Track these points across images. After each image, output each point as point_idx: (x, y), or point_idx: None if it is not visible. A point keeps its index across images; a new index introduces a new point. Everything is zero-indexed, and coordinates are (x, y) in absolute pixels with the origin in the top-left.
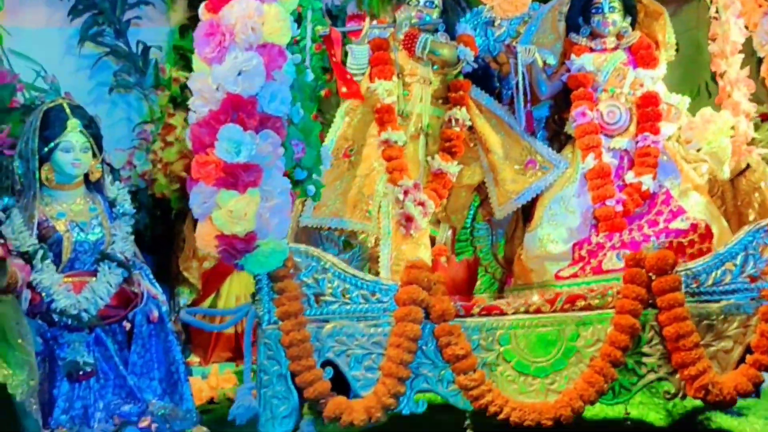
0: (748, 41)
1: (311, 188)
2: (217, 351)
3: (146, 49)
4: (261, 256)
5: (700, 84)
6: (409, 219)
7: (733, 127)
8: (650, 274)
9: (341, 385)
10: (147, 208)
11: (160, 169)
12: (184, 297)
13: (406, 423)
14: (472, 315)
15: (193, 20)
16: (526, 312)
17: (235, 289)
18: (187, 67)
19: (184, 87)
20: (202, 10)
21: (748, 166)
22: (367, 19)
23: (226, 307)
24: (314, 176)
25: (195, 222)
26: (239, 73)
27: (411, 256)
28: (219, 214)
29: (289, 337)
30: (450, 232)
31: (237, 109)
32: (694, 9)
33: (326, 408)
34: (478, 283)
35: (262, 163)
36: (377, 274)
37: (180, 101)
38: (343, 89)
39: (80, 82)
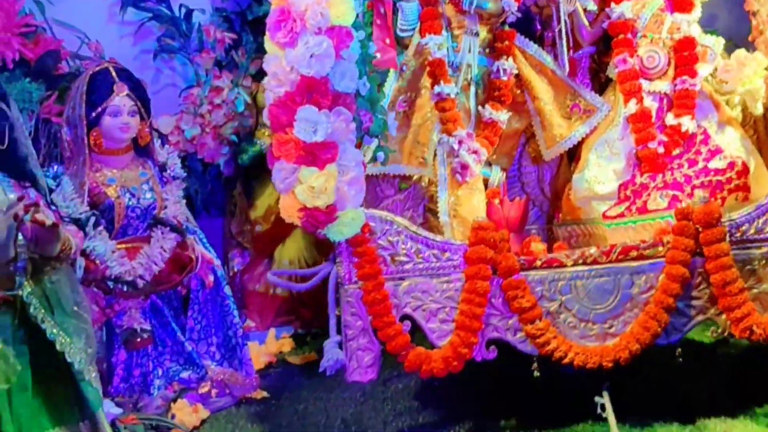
0: None
1: (381, 155)
2: (274, 316)
3: (189, 12)
4: (341, 225)
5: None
6: (464, 167)
7: (766, 68)
8: (698, 226)
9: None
10: (196, 173)
11: (209, 133)
12: (237, 262)
13: (479, 369)
14: (534, 268)
15: None
16: (584, 263)
17: (288, 253)
18: (231, 29)
19: (229, 49)
20: None
21: None
22: None
23: (279, 269)
24: (382, 142)
25: (246, 186)
26: (311, 56)
27: (467, 200)
28: (301, 189)
29: (370, 296)
30: (502, 174)
31: (311, 89)
32: None
33: (407, 359)
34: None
35: (338, 139)
36: (431, 211)
37: (225, 64)
38: (377, 55)
39: (124, 49)
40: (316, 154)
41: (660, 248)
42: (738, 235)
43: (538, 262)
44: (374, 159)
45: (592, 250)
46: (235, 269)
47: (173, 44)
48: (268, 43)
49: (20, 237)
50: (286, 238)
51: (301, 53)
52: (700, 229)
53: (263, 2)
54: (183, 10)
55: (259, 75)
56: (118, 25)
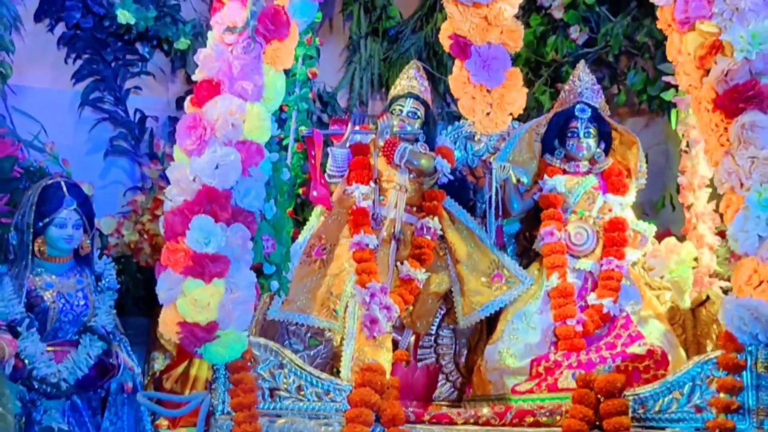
0: None
1: (275, 284)
2: (185, 416)
3: (143, 118)
4: (221, 347)
5: (665, 195)
6: (373, 321)
7: (696, 259)
8: (599, 396)
9: None
10: (130, 273)
11: (146, 239)
12: (158, 362)
13: None
14: (422, 422)
15: (190, 92)
16: (476, 423)
17: None
18: None
19: None
20: (187, 103)
21: (708, 297)
22: (350, 124)
23: (198, 371)
24: (282, 272)
25: None
26: (216, 167)
27: (372, 356)
28: (183, 301)
29: (240, 429)
30: (413, 338)
31: (211, 201)
32: (666, 122)
33: None
34: (438, 391)
35: (231, 255)
36: (339, 372)
37: None
38: (314, 193)
39: (77, 143)
40: (205, 267)
41: (557, 416)
42: (641, 411)
43: (427, 416)
44: (269, 290)
45: (485, 410)
46: (155, 369)
47: (124, 146)
48: (176, 151)
49: None
50: None
51: (206, 162)
52: (602, 399)
53: None
54: (138, 115)
55: None
56: (74, 120)
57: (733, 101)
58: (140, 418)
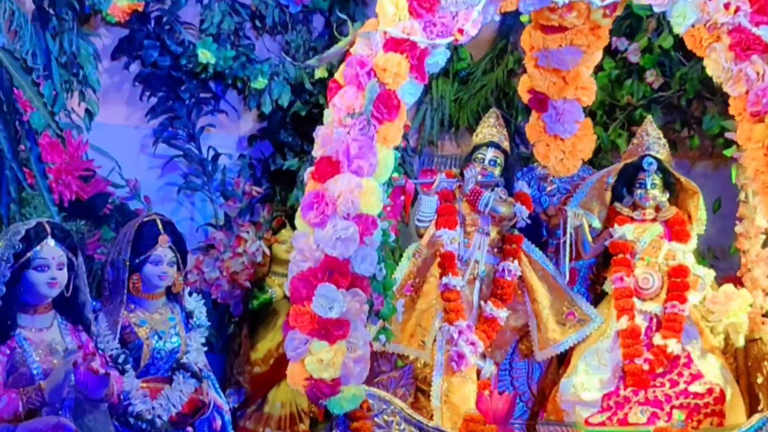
0: None
1: (383, 338)
2: None
3: (216, 155)
4: (343, 400)
5: None
6: (460, 356)
7: (750, 304)
8: None
9: None
10: (207, 311)
11: (225, 276)
12: (233, 399)
13: None
14: None
15: (262, 131)
16: None
17: (281, 396)
18: (253, 175)
19: (253, 201)
20: (307, 176)
21: (760, 338)
22: (438, 174)
23: (271, 410)
24: (388, 326)
25: (251, 329)
26: (338, 239)
27: (459, 388)
28: (310, 360)
29: None
30: (494, 368)
31: (333, 269)
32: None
33: None
34: None
35: (351, 318)
36: (421, 391)
37: (251, 213)
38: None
39: (150, 180)
40: (329, 330)
41: None
42: None
43: None
44: (377, 339)
45: None
46: (230, 405)
47: (197, 182)
48: (299, 221)
49: (72, 379)
50: (281, 382)
51: (328, 235)
52: None
53: (286, 157)
54: (211, 152)
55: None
56: (148, 157)
57: None
58: None
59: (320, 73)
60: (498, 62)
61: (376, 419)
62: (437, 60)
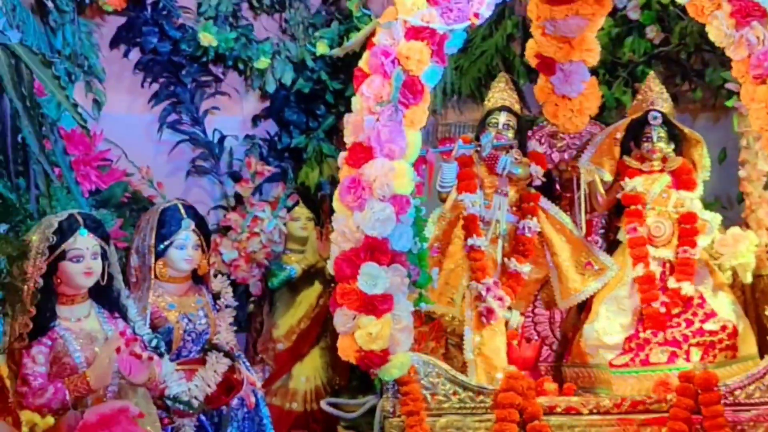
0: None
1: (423, 305)
2: (288, 429)
3: (222, 137)
4: (392, 368)
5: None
6: (490, 311)
7: (756, 245)
8: (698, 389)
9: None
10: None
11: (243, 257)
12: (259, 377)
13: None
14: (555, 413)
15: (266, 111)
16: (598, 413)
17: (305, 371)
18: (260, 155)
19: (265, 180)
20: (341, 160)
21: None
22: (458, 140)
23: (296, 385)
24: (425, 295)
25: (272, 306)
26: (376, 220)
27: (490, 341)
28: (360, 334)
29: (413, 430)
30: (521, 318)
31: (373, 248)
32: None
33: None
34: None
35: (393, 292)
36: (453, 345)
37: (262, 192)
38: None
39: (158, 166)
40: (375, 305)
41: (664, 404)
42: (731, 398)
43: (559, 409)
44: (417, 305)
45: (605, 401)
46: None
47: (205, 165)
48: (337, 204)
49: (115, 365)
50: (305, 357)
51: (367, 217)
52: (700, 392)
53: (292, 135)
54: (216, 135)
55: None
56: (154, 144)
57: None
58: (262, 431)
59: (321, 49)
60: (496, 27)
61: (422, 382)
62: (456, 43)
